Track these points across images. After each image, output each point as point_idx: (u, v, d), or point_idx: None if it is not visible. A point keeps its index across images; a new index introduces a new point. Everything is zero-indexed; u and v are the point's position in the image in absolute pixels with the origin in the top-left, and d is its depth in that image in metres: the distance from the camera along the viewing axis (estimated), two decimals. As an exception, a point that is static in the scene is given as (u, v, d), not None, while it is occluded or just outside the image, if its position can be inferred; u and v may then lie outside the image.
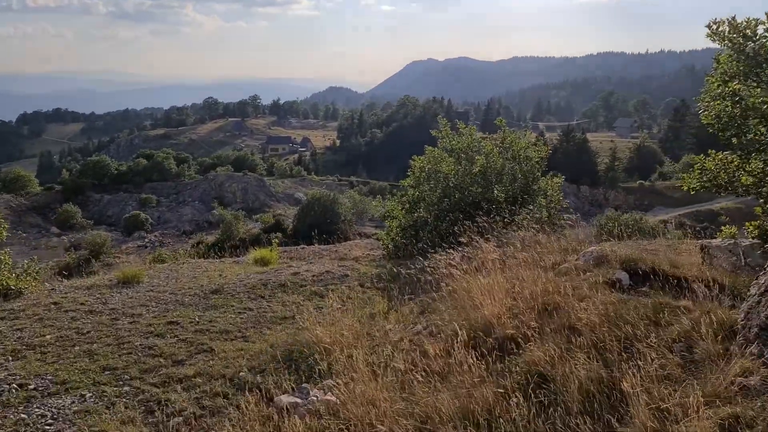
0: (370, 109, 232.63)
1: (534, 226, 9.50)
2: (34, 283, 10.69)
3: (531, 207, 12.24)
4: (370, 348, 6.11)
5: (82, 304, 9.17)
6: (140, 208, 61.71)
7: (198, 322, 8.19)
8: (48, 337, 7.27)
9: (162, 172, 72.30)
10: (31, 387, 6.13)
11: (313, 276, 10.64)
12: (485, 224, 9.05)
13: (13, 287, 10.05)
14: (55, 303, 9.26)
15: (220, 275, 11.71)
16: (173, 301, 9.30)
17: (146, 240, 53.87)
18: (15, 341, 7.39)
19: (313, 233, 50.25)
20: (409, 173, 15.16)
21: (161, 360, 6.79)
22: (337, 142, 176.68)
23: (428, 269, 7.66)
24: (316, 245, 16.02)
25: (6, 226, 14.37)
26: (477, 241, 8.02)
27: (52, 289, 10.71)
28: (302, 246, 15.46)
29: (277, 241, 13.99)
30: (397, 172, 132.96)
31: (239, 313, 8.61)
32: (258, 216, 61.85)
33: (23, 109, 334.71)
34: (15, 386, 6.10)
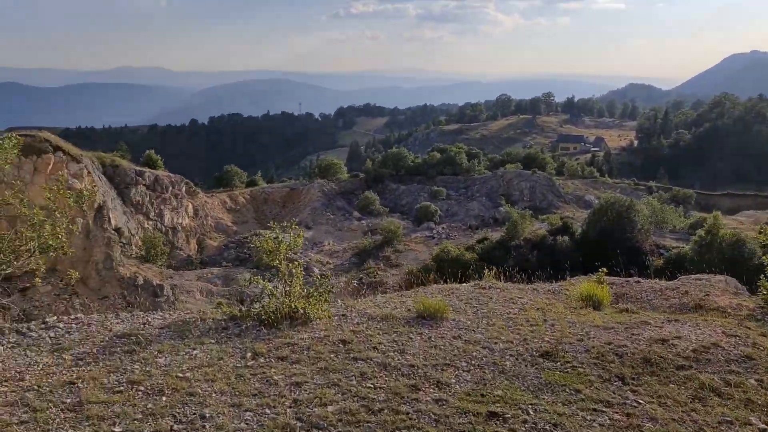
0: (677, 108, 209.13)
1: None
2: (324, 308, 9.53)
3: None
4: None
5: (374, 348, 7.57)
6: (431, 200, 63.31)
7: (533, 419, 5.62)
8: (329, 409, 5.45)
9: (453, 166, 73.45)
10: None
11: (693, 350, 7.24)
12: None
13: (301, 310, 9.06)
14: (343, 341, 7.84)
15: (544, 320, 9.46)
16: (490, 363, 7.05)
17: (434, 231, 54.81)
18: (289, 407, 5.65)
19: (606, 242, 45.89)
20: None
21: None
22: (635, 142, 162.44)
23: None
24: (654, 281, 12.42)
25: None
26: None
27: (343, 315, 9.55)
28: (636, 280, 11.98)
29: (602, 272, 10.82)
30: (706, 179, 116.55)
31: (593, 410, 5.73)
32: (545, 216, 58.70)
33: (340, 104, 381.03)
34: None
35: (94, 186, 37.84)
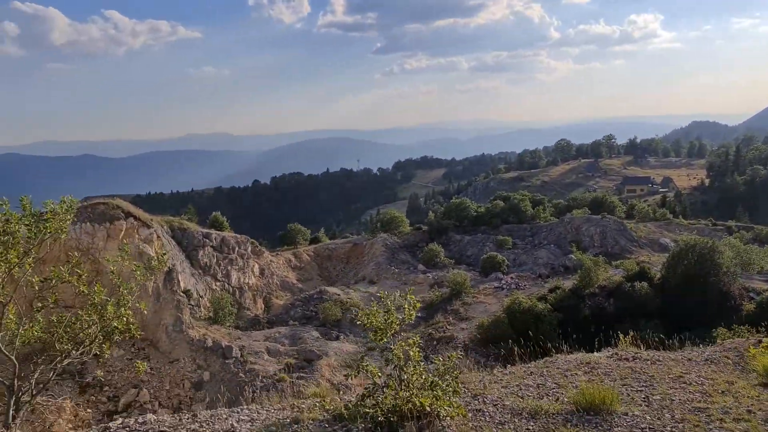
0: (748, 143, 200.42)
1: None
2: (455, 403, 7.64)
3: None
4: None
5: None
6: (497, 250, 61.73)
7: None
8: None
9: (518, 213, 71.88)
10: None
11: None
12: None
13: (428, 409, 7.27)
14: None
15: (749, 411, 7.81)
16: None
17: (502, 281, 53.10)
18: None
19: (690, 288, 42.98)
20: None
21: None
22: (706, 181, 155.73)
23: None
24: None
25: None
26: None
27: (478, 410, 8.09)
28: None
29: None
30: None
31: None
32: (618, 262, 56.04)
33: (398, 157, 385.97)
34: None
35: (164, 251, 38.52)
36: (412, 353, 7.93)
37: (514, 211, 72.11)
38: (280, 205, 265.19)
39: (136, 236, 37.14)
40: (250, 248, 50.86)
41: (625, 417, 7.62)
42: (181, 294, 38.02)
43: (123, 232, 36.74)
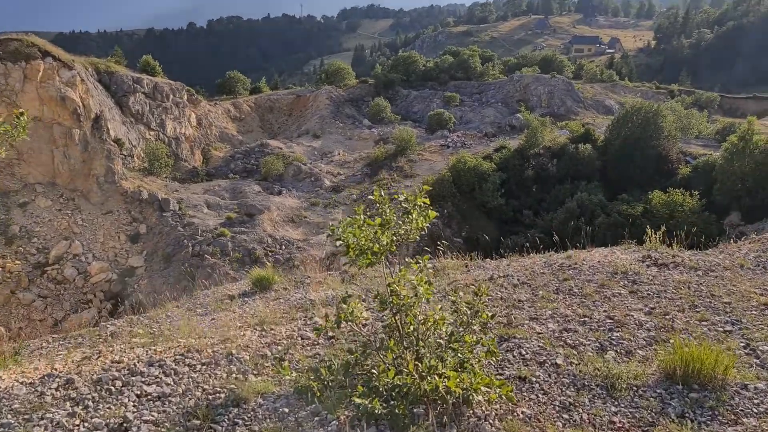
0: (697, 5, 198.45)
1: None
2: (494, 381, 4.99)
3: None
4: None
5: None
6: (444, 106, 60.43)
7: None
8: None
9: (466, 70, 69.80)
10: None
11: None
12: None
13: (456, 390, 4.71)
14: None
15: None
16: None
17: (449, 139, 52.50)
18: None
19: (631, 151, 43.60)
20: None
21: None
22: (653, 43, 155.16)
23: None
24: None
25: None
26: None
27: (521, 378, 5.75)
28: None
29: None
30: (730, 81, 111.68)
31: None
32: (564, 123, 56.05)
33: (343, 4, 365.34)
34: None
35: (89, 96, 35.41)
36: (438, 317, 5.27)
37: (462, 67, 69.94)
38: (218, 52, 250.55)
39: (57, 79, 33.70)
40: (186, 96, 47.64)
41: (746, 393, 5.32)
42: (112, 143, 35.59)
43: (41, 74, 33.21)
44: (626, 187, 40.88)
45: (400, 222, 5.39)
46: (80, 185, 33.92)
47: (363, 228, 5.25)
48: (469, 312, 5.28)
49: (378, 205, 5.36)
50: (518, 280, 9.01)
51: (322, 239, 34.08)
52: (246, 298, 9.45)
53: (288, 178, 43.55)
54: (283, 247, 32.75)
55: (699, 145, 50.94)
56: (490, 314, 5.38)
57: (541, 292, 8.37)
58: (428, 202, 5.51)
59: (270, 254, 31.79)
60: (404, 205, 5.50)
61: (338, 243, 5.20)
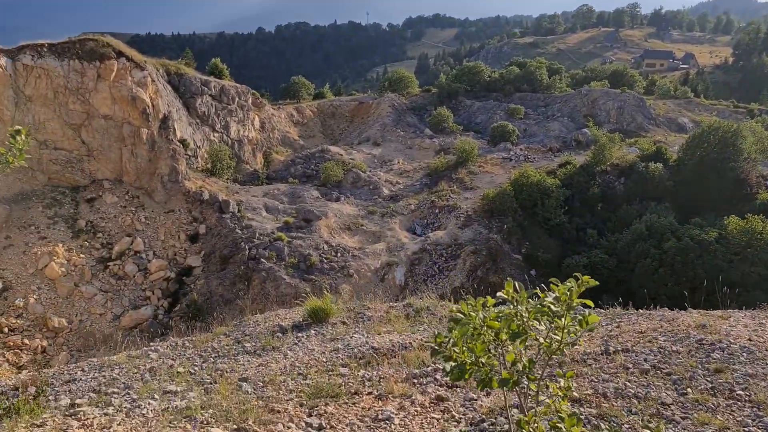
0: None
1: None
2: None
3: None
4: None
5: None
6: (507, 119, 59.18)
7: None
8: None
9: (532, 82, 68.26)
10: None
11: None
12: None
13: None
14: None
15: None
16: None
17: (511, 153, 51.28)
18: None
19: (706, 172, 41.33)
20: None
21: None
22: (730, 60, 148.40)
23: None
24: None
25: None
26: None
27: None
28: None
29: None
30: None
31: None
32: (633, 140, 53.90)
33: (409, 13, 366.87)
34: None
35: (158, 96, 36.18)
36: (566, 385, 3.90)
37: (528, 80, 68.45)
38: (284, 57, 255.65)
39: (129, 79, 34.59)
40: (250, 99, 48.30)
41: None
42: (177, 143, 36.26)
43: (114, 73, 34.17)
44: (699, 211, 38.76)
45: (542, 327, 3.73)
46: (145, 183, 34.67)
47: (483, 333, 3.71)
48: None
49: (510, 300, 3.77)
50: (646, 361, 6.68)
51: (377, 248, 33.64)
52: (299, 333, 8.69)
53: (347, 185, 43.38)
54: (339, 254, 32.46)
55: (780, 169, 47.97)
56: None
57: (690, 392, 6.13)
58: (591, 304, 3.95)
59: (325, 261, 31.56)
60: (551, 306, 3.73)
61: (448, 365, 3.75)
